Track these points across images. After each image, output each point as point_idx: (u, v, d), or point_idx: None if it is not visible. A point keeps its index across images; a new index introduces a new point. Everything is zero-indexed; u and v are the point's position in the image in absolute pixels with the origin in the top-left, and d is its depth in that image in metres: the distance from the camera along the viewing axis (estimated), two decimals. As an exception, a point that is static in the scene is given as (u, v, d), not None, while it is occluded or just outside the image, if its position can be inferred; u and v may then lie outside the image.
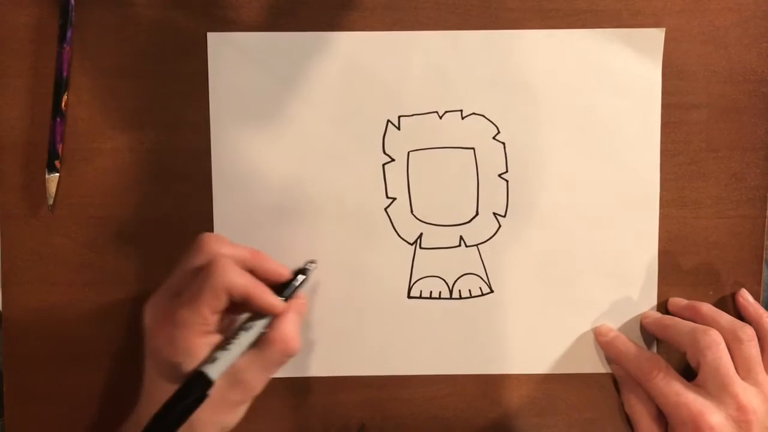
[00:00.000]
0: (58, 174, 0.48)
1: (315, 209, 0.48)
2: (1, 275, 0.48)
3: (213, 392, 0.39)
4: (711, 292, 0.49)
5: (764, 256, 0.49)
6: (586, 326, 0.49)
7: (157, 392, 0.40)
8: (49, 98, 0.47)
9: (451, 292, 0.49)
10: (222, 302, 0.40)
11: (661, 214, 0.48)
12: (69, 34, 0.47)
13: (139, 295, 0.49)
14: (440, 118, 0.48)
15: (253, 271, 0.42)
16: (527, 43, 0.48)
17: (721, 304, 0.48)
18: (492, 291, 0.49)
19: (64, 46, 0.47)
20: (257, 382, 0.41)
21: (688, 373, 0.46)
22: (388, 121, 0.48)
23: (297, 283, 0.43)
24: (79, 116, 0.48)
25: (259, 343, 0.41)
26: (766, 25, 0.48)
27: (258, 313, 0.41)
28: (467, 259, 0.49)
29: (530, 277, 0.49)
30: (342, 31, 0.48)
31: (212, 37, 0.48)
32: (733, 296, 0.49)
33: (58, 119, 0.47)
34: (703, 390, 0.44)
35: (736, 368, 0.44)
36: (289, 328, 0.41)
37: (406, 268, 0.49)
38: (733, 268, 0.49)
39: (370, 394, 0.49)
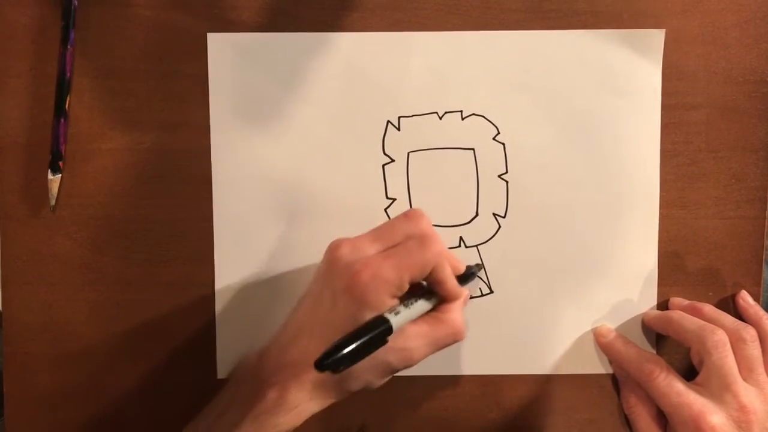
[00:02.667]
0: (60, 174, 0.48)
1: (315, 210, 0.48)
2: (2, 275, 0.48)
3: (378, 350, 0.39)
4: (711, 293, 0.49)
5: (764, 256, 0.49)
6: (585, 327, 0.49)
7: (325, 328, 0.40)
8: (50, 99, 0.47)
9: (450, 292, 0.49)
10: (423, 275, 0.41)
11: (661, 214, 0.48)
12: (72, 35, 0.47)
13: (139, 295, 0.49)
14: (440, 118, 0.48)
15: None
16: (527, 43, 0.48)
17: (720, 305, 0.48)
18: (492, 291, 0.49)
19: (67, 47, 0.47)
20: (419, 355, 0.42)
21: (687, 374, 0.46)
22: (388, 121, 0.48)
23: (468, 278, 0.45)
24: (79, 117, 0.48)
25: (429, 319, 0.42)
26: (766, 26, 0.48)
27: (428, 292, 0.43)
28: (467, 260, 0.48)
29: (530, 277, 0.49)
30: (342, 31, 0.48)
31: (212, 38, 0.48)
32: (733, 297, 0.49)
33: (62, 120, 0.47)
34: (704, 390, 0.44)
35: (738, 368, 0.44)
36: (458, 314, 0.43)
37: (405, 268, 0.49)
38: (733, 269, 0.49)
39: (370, 394, 0.49)
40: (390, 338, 0.39)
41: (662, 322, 0.47)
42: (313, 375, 0.41)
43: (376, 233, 0.43)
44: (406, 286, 0.41)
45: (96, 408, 0.49)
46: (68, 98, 0.47)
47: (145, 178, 0.48)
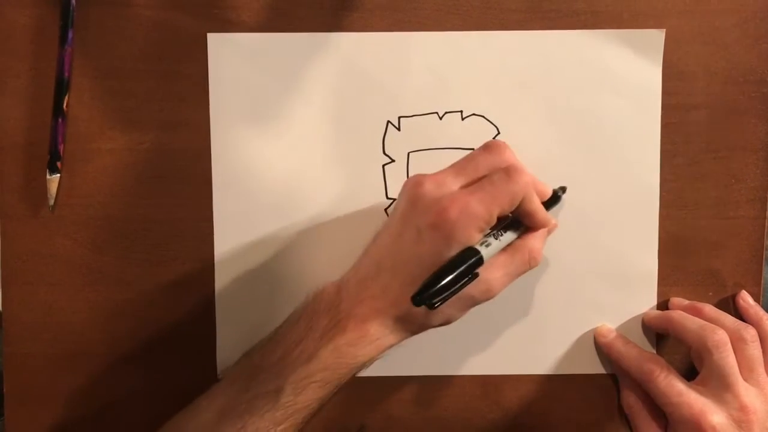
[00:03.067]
0: (59, 174, 0.48)
1: (315, 210, 0.48)
2: (1, 275, 0.48)
3: None
4: (711, 293, 0.49)
5: (764, 256, 0.49)
6: (585, 327, 0.49)
7: (409, 262, 0.40)
8: (49, 99, 0.47)
9: (450, 292, 0.49)
10: (512, 209, 0.41)
11: (660, 214, 0.48)
12: (70, 35, 0.47)
13: (139, 295, 0.49)
14: (440, 118, 0.48)
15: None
16: (527, 43, 0.48)
17: (721, 305, 0.48)
18: (492, 291, 0.49)
19: (66, 47, 0.47)
20: (498, 285, 0.42)
21: (688, 374, 0.46)
22: (388, 122, 0.48)
23: (554, 202, 0.46)
24: (79, 117, 0.48)
25: (508, 248, 0.42)
26: (766, 26, 0.48)
27: (515, 221, 0.43)
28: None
29: (530, 277, 0.49)
30: (342, 31, 0.48)
31: (212, 38, 0.48)
32: (733, 297, 0.49)
33: (60, 120, 0.47)
34: (704, 389, 0.44)
35: (738, 368, 0.44)
36: (539, 242, 0.43)
37: (405, 268, 0.49)
38: (733, 269, 0.49)
39: (370, 394, 0.49)
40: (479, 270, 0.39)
41: (663, 322, 0.47)
42: (396, 309, 0.41)
43: (458, 167, 0.42)
44: (495, 220, 0.41)
45: (96, 408, 0.49)
46: (67, 98, 0.47)
47: (144, 178, 0.48)
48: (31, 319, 0.49)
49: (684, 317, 0.46)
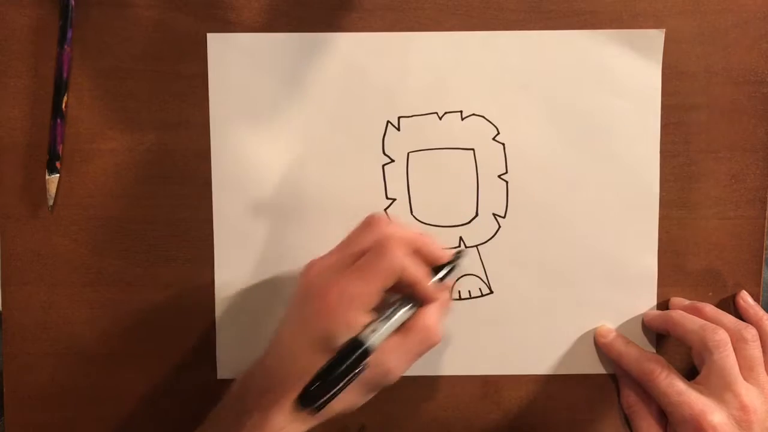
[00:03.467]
0: (58, 175, 0.48)
1: (315, 210, 0.48)
2: (1, 275, 0.48)
3: None
4: (711, 293, 0.49)
5: (764, 257, 0.49)
6: (585, 327, 0.49)
7: (301, 355, 0.40)
8: (48, 99, 0.47)
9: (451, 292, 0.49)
10: (392, 282, 0.40)
11: (660, 214, 0.48)
12: (69, 35, 0.47)
13: (139, 295, 0.49)
14: (440, 119, 0.48)
15: (417, 253, 0.42)
16: (527, 43, 0.48)
17: (721, 305, 0.48)
18: (492, 292, 0.49)
19: (65, 47, 0.47)
20: (397, 368, 0.41)
21: (688, 374, 0.46)
22: (388, 122, 0.48)
23: (450, 269, 0.43)
24: (78, 117, 0.48)
25: (402, 328, 0.41)
26: (765, 27, 0.48)
27: (407, 297, 0.42)
28: (467, 260, 0.48)
29: (530, 278, 0.49)
30: (341, 32, 0.48)
31: (212, 38, 0.48)
32: (733, 297, 0.49)
33: (59, 120, 0.47)
34: (704, 389, 0.44)
35: (739, 368, 0.44)
36: (434, 318, 0.42)
37: (405, 268, 0.49)
38: (733, 269, 0.49)
39: (369, 394, 0.49)
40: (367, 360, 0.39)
41: (663, 322, 0.47)
42: (290, 407, 0.40)
43: (341, 248, 0.42)
44: (377, 297, 0.40)
45: (96, 408, 0.49)
46: (66, 98, 0.47)
47: (144, 178, 0.48)
48: (31, 319, 0.49)
49: (684, 317, 0.46)
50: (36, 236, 0.48)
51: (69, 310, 0.49)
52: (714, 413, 0.43)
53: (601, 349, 0.49)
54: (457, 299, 0.49)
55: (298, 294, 0.42)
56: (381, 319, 0.40)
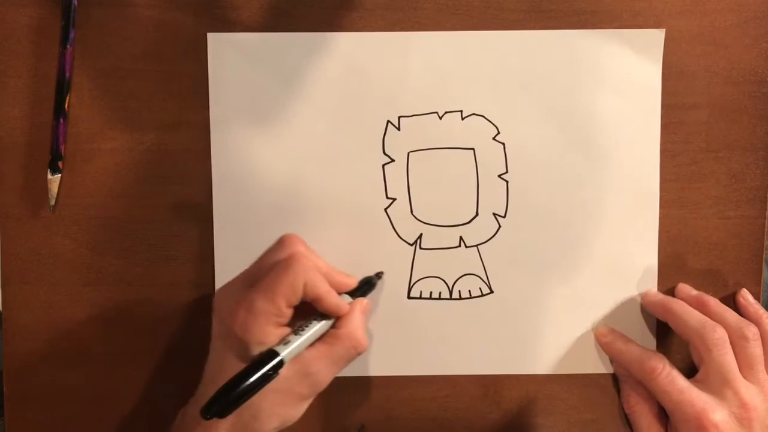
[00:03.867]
0: (60, 175, 0.48)
1: (315, 210, 0.48)
2: (2, 275, 0.48)
3: (281, 383, 0.40)
4: (711, 293, 0.48)
5: (764, 256, 0.49)
6: (586, 326, 0.49)
7: (223, 374, 0.41)
8: (50, 99, 0.47)
9: (451, 292, 0.49)
10: (298, 297, 0.41)
11: (661, 214, 0.48)
12: (72, 34, 0.47)
13: (139, 295, 0.49)
14: (440, 118, 0.48)
15: (326, 276, 0.43)
16: (527, 43, 0.48)
17: (721, 306, 0.48)
18: (492, 291, 0.49)
19: (67, 46, 0.47)
20: (324, 377, 0.42)
21: (688, 373, 0.46)
22: (388, 121, 0.48)
23: (363, 291, 0.46)
24: (79, 117, 0.48)
25: (328, 337, 0.43)
26: (765, 26, 0.48)
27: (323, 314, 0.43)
28: (467, 260, 0.49)
29: (530, 277, 0.49)
30: (342, 31, 0.48)
31: (212, 38, 0.48)
32: (734, 297, 0.49)
33: (61, 120, 0.47)
34: (705, 387, 0.44)
35: (739, 366, 0.44)
36: (356, 326, 0.43)
37: (406, 268, 0.49)
38: (733, 269, 0.49)
39: (370, 394, 0.49)
40: (284, 369, 0.40)
41: (662, 310, 0.47)
42: (224, 426, 0.41)
43: (249, 269, 0.44)
44: (286, 311, 0.41)
45: (96, 408, 0.49)
46: (68, 98, 0.47)
47: (145, 178, 0.48)
48: (31, 319, 0.49)
49: (684, 311, 0.46)
50: (36, 236, 0.48)
51: (69, 310, 0.49)
52: (715, 411, 0.43)
53: (602, 349, 0.49)
54: (457, 299, 0.49)
55: (214, 317, 0.44)
56: (294, 331, 0.42)
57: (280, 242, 0.44)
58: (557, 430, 0.49)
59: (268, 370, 0.39)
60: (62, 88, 0.47)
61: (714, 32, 0.48)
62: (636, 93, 0.48)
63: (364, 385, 0.49)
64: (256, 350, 0.40)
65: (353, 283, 0.46)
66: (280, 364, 0.40)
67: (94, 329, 0.49)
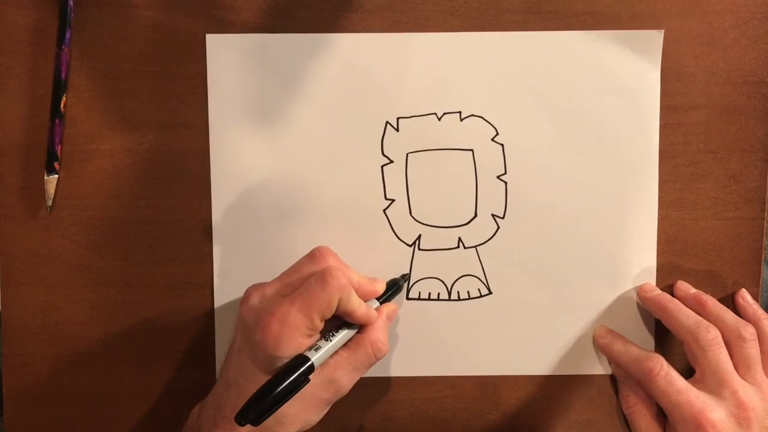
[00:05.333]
0: (57, 175, 0.48)
1: (314, 210, 0.48)
2: (1, 275, 0.48)
3: (307, 389, 0.40)
4: (709, 294, 0.48)
5: (763, 257, 0.49)
6: (584, 328, 0.49)
7: (249, 381, 0.41)
8: (47, 100, 0.47)
9: (449, 293, 0.49)
10: (331, 311, 0.42)
11: (659, 215, 0.48)
12: (68, 35, 0.47)
13: (138, 295, 0.49)
14: (439, 119, 0.48)
15: (356, 287, 0.44)
16: (526, 44, 0.48)
17: (719, 306, 0.48)
18: (491, 292, 0.49)
19: (63, 47, 0.47)
20: (347, 382, 0.43)
21: (686, 373, 0.46)
22: (387, 122, 0.48)
23: (390, 294, 0.47)
24: (77, 117, 0.48)
25: (350, 344, 0.44)
26: (764, 27, 0.48)
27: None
28: (466, 261, 0.49)
29: (529, 278, 0.49)
30: (341, 32, 0.48)
31: (211, 39, 0.48)
32: (732, 297, 0.49)
33: (57, 121, 0.47)
34: (702, 387, 0.44)
35: (736, 366, 0.44)
36: (379, 332, 0.44)
37: (404, 269, 0.49)
38: (732, 270, 0.49)
39: (369, 395, 0.49)
40: (313, 375, 0.41)
41: (657, 308, 0.47)
42: (247, 428, 0.41)
43: (283, 277, 0.44)
44: (319, 325, 0.42)
45: (95, 408, 0.49)
46: (64, 99, 0.47)
47: (144, 178, 0.48)
48: (30, 320, 0.49)
49: (679, 310, 0.46)
50: (35, 237, 0.48)
51: (69, 310, 0.49)
52: (713, 411, 0.43)
53: (600, 350, 0.49)
54: (456, 300, 0.49)
55: (241, 323, 0.44)
56: (323, 337, 0.42)
57: (313, 255, 0.44)
58: (556, 430, 0.50)
59: (300, 376, 0.40)
60: (58, 89, 0.47)
61: (713, 33, 0.48)
62: (635, 94, 0.48)
63: (363, 385, 0.49)
64: (286, 360, 0.41)
65: (381, 289, 0.46)
66: (311, 369, 0.40)
67: (93, 330, 0.49)
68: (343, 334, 0.43)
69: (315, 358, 0.41)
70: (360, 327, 0.44)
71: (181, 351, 0.49)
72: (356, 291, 0.43)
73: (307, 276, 0.43)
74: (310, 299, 0.41)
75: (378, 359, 0.44)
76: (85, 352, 0.49)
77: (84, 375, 0.49)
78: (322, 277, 0.41)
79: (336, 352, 0.43)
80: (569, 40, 0.48)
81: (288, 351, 0.41)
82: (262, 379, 0.40)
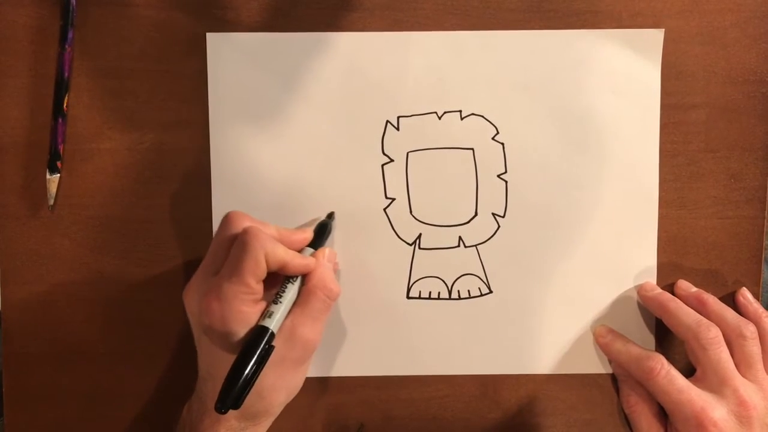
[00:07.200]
0: (59, 174, 0.48)
1: (314, 209, 0.48)
2: (1, 275, 0.48)
3: (273, 355, 0.40)
4: (710, 293, 0.48)
5: (763, 256, 0.49)
6: (585, 327, 0.49)
7: (218, 367, 0.41)
8: (49, 99, 0.47)
9: (450, 292, 0.49)
10: (263, 269, 0.41)
11: (660, 214, 0.48)
12: (70, 35, 0.47)
13: (139, 295, 0.49)
14: (439, 118, 0.48)
15: (281, 240, 0.43)
16: (526, 43, 0.48)
17: (720, 305, 0.48)
18: (491, 291, 0.49)
19: (66, 46, 0.47)
20: (312, 335, 0.42)
21: (686, 372, 0.46)
22: (387, 121, 0.48)
23: (322, 238, 0.46)
24: (78, 116, 0.48)
25: (301, 297, 0.43)
26: (765, 26, 0.48)
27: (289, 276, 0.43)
28: (466, 260, 0.49)
29: (529, 277, 0.49)
30: (341, 31, 0.48)
31: (212, 38, 0.48)
32: (733, 297, 0.49)
33: (60, 120, 0.47)
34: (703, 385, 0.44)
35: (737, 365, 0.44)
36: (324, 274, 0.43)
37: (405, 268, 0.49)
38: (732, 269, 0.49)
39: (369, 394, 0.49)
40: (275, 340, 0.40)
41: (658, 307, 0.47)
42: (233, 413, 0.41)
43: (206, 259, 0.43)
44: (256, 287, 0.41)
45: (96, 408, 0.49)
46: (66, 98, 0.47)
47: (144, 177, 0.48)
48: (30, 319, 0.49)
49: (679, 309, 0.46)
50: (36, 236, 0.48)
51: (69, 310, 0.49)
52: (715, 409, 0.43)
53: (601, 349, 0.49)
54: (456, 299, 0.49)
55: (189, 317, 0.44)
56: (273, 301, 0.42)
57: (226, 222, 0.43)
58: (556, 430, 0.49)
59: (263, 348, 0.39)
60: (61, 88, 0.47)
61: (713, 32, 0.48)
62: (635, 93, 0.48)
63: (363, 385, 0.49)
64: (241, 331, 0.40)
65: (309, 235, 0.45)
66: (272, 337, 0.40)
67: (93, 329, 0.49)
68: (291, 291, 0.42)
69: (272, 324, 0.40)
70: (304, 278, 0.43)
71: (180, 351, 0.49)
72: (283, 243, 0.42)
73: (226, 246, 0.42)
74: (237, 265, 0.40)
75: (333, 300, 0.43)
76: (85, 351, 0.49)
77: (84, 375, 0.49)
78: (241, 239, 0.41)
79: (290, 310, 0.42)
80: (570, 39, 0.48)
81: (238, 324, 0.40)
82: (228, 360, 0.40)
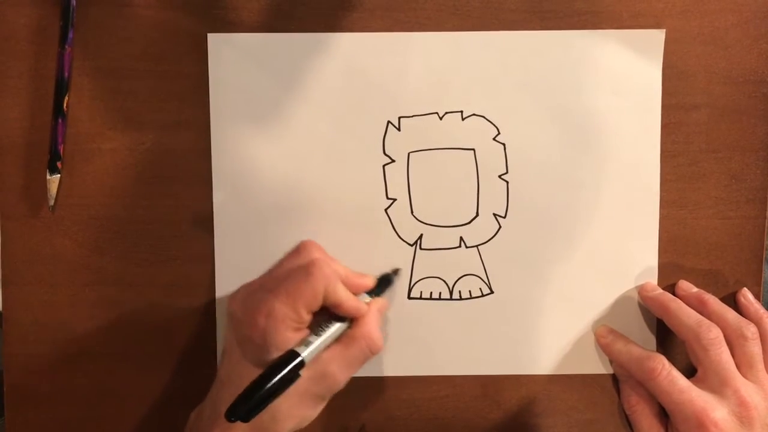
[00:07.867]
0: (59, 175, 0.48)
1: (315, 210, 0.48)
2: (1, 275, 0.48)
3: (299, 384, 0.40)
4: (711, 293, 0.48)
5: (764, 256, 0.49)
6: (586, 327, 0.49)
7: (241, 378, 0.41)
8: (49, 99, 0.47)
9: (451, 292, 0.49)
10: (318, 303, 0.42)
11: (661, 214, 0.48)
12: (70, 35, 0.47)
13: (139, 295, 0.49)
14: (440, 119, 0.48)
15: (344, 281, 0.44)
16: (527, 44, 0.48)
17: (721, 305, 0.48)
18: (492, 292, 0.49)
19: (66, 47, 0.47)
20: (341, 377, 0.43)
21: (687, 372, 0.46)
22: (389, 122, 0.48)
23: (382, 289, 0.46)
24: (79, 117, 0.48)
25: (344, 338, 0.43)
26: (766, 26, 0.48)
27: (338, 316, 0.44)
28: (467, 260, 0.49)
29: (530, 278, 0.49)
30: (342, 32, 0.48)
31: (212, 38, 0.48)
32: (734, 297, 0.49)
33: (60, 120, 0.47)
34: (704, 386, 0.44)
35: (738, 365, 0.44)
36: (372, 326, 0.43)
37: (406, 268, 0.49)
38: (733, 269, 0.49)
39: (370, 394, 0.49)
40: (304, 370, 0.40)
41: (659, 307, 0.47)
42: (242, 426, 0.41)
43: (267, 274, 0.44)
44: (306, 317, 0.41)
45: (96, 408, 0.49)
46: (66, 98, 0.47)
47: (144, 178, 0.48)
48: (31, 320, 0.49)
49: (680, 309, 0.46)
50: (37, 236, 0.48)
51: (69, 310, 0.49)
52: (716, 410, 0.43)
53: (602, 349, 0.49)
54: (457, 299, 0.49)
55: (229, 321, 0.44)
56: (313, 332, 0.42)
57: (298, 249, 0.44)
58: (557, 430, 0.50)
59: (290, 372, 0.39)
60: (61, 88, 0.47)
61: (714, 32, 0.48)
62: (636, 93, 0.48)
63: (364, 385, 0.49)
64: (275, 354, 0.41)
65: (371, 283, 0.46)
66: (301, 364, 0.40)
67: (94, 329, 0.49)
68: (335, 328, 0.43)
69: (305, 353, 0.40)
70: (351, 321, 0.44)
71: (181, 351, 0.49)
72: (344, 283, 0.43)
73: (292, 270, 0.42)
74: (294, 291, 0.41)
75: (373, 354, 0.43)
76: (86, 351, 0.49)
77: (84, 375, 0.49)
78: (306, 268, 0.41)
79: (329, 346, 0.42)
80: (571, 39, 0.48)
81: (276, 345, 0.41)
82: (254, 375, 0.40)
